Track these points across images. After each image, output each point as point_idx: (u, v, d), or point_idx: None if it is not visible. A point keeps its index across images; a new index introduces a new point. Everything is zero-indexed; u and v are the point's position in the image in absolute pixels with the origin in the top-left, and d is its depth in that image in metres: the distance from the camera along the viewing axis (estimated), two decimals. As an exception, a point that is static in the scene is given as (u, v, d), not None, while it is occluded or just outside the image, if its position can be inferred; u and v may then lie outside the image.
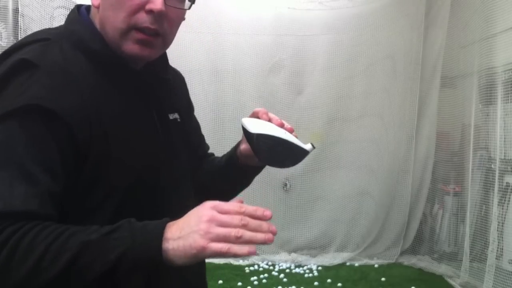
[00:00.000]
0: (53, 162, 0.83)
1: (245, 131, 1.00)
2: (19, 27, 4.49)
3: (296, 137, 1.00)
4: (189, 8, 0.96)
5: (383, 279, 3.95)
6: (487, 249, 3.37)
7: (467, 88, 3.88)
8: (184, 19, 0.98)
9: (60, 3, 4.53)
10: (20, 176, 0.80)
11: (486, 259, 3.32)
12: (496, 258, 3.26)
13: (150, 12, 0.89)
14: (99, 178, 0.88)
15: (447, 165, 4.32)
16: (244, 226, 0.77)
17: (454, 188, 4.18)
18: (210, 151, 1.30)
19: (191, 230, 0.76)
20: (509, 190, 3.38)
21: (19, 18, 4.49)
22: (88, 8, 0.99)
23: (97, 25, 0.95)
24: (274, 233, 0.79)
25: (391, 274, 4.07)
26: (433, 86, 4.44)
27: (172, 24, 0.94)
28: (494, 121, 3.43)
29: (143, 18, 0.90)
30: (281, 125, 1.00)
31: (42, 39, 0.92)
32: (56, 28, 0.98)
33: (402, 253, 4.51)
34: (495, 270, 3.22)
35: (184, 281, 0.98)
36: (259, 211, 0.80)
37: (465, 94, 3.94)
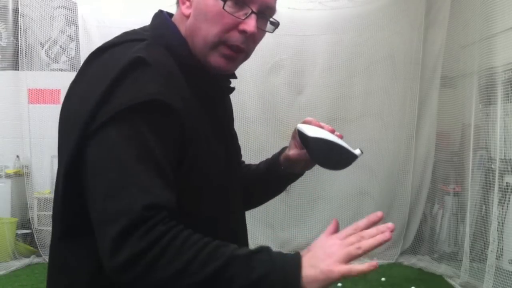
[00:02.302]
0: (171, 155, 0.88)
1: (302, 134, 1.05)
2: (19, 27, 4.49)
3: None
4: (273, 31, 1.03)
5: (383, 279, 3.95)
6: (487, 249, 3.37)
7: (467, 88, 3.88)
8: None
9: (60, 3, 4.52)
10: (154, 169, 0.83)
11: (486, 259, 3.32)
12: (496, 258, 3.26)
13: (243, 32, 0.94)
14: (187, 176, 0.92)
15: (447, 165, 4.32)
16: (362, 238, 0.84)
17: (454, 188, 4.18)
18: None
19: (319, 259, 0.82)
20: (509, 190, 3.37)
21: (19, 18, 4.49)
22: (169, 13, 1.03)
23: (182, 32, 0.99)
24: (392, 230, 0.84)
25: (391, 274, 4.07)
26: (433, 86, 4.44)
27: (255, 43, 1.01)
28: (494, 121, 3.43)
29: (235, 37, 0.95)
30: (332, 132, 1.06)
31: (140, 39, 0.95)
32: (143, 30, 1.00)
33: (402, 253, 4.51)
34: (495, 270, 3.22)
35: None
36: (371, 217, 0.88)
37: (465, 94, 3.94)
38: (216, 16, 0.93)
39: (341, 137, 1.06)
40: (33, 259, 4.30)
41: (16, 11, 4.55)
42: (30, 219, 4.47)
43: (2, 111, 4.57)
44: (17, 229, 4.48)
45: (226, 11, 0.92)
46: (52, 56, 4.65)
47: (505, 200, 3.38)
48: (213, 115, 1.01)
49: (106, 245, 0.79)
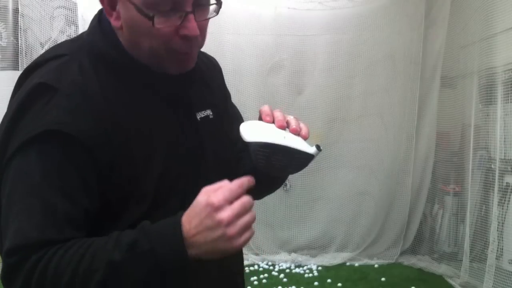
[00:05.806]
0: (72, 187, 0.83)
1: (242, 139, 0.92)
2: (19, 27, 4.49)
3: (305, 138, 0.93)
4: (218, 12, 0.93)
5: (383, 279, 3.95)
6: (487, 249, 3.37)
7: (467, 88, 3.88)
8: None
9: (60, 3, 4.52)
10: (38, 206, 0.80)
11: (486, 259, 3.32)
12: (496, 258, 3.26)
13: (185, 37, 0.88)
14: (125, 190, 0.88)
15: (447, 165, 4.32)
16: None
17: (454, 188, 4.18)
18: None
19: (214, 237, 0.79)
20: (509, 190, 3.37)
21: (19, 18, 4.49)
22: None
23: (122, 41, 0.93)
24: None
25: (391, 274, 4.07)
26: (433, 86, 4.43)
27: (203, 33, 0.94)
28: (494, 121, 3.43)
29: (180, 44, 0.89)
30: (284, 127, 0.94)
31: (61, 55, 0.91)
32: (78, 39, 0.97)
33: (402, 253, 4.50)
34: (495, 270, 3.22)
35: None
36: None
37: (465, 94, 3.93)
38: (150, 31, 0.87)
39: (295, 131, 0.92)
40: (33, 259, 4.29)
41: (16, 11, 4.55)
42: (30, 219, 4.47)
43: (2, 111, 4.56)
44: (17, 229, 4.47)
45: (157, 27, 0.85)
46: (52, 56, 4.65)
47: (505, 200, 3.38)
48: (164, 111, 0.96)
49: None
